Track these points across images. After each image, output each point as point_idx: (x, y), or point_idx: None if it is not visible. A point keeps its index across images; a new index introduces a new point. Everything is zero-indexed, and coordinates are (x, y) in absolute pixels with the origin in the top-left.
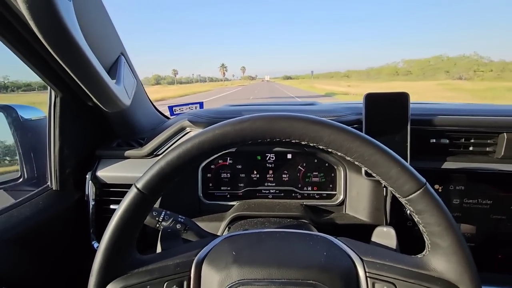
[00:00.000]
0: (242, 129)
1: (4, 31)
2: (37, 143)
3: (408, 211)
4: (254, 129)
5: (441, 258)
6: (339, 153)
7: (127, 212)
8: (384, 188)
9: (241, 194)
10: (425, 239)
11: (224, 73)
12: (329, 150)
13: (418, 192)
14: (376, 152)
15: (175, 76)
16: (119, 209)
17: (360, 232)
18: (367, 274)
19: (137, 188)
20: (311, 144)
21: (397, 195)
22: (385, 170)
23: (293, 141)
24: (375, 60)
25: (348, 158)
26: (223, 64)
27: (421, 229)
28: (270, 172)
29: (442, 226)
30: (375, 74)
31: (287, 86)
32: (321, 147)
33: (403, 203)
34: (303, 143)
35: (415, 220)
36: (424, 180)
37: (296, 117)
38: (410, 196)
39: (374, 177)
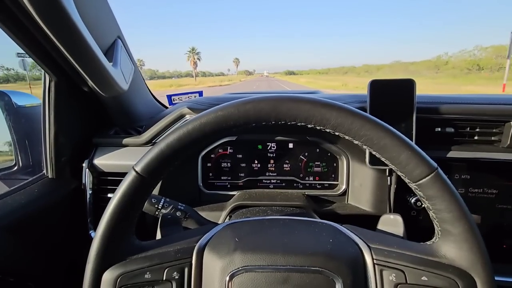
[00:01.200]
0: (245, 111)
1: None
2: (32, 131)
3: (414, 199)
4: (258, 110)
5: (452, 245)
6: (346, 137)
7: (126, 196)
8: (388, 177)
9: (241, 184)
10: (435, 225)
11: (194, 63)
12: (336, 133)
13: (429, 176)
14: (385, 136)
15: (141, 67)
16: (117, 193)
17: (362, 222)
18: (375, 261)
19: (136, 171)
20: (317, 127)
21: (407, 180)
22: (395, 155)
23: (299, 123)
24: (399, 54)
25: (356, 142)
26: (193, 49)
27: (431, 215)
28: (271, 161)
29: (454, 212)
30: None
31: (294, 84)
32: (327, 130)
33: (413, 188)
34: (309, 126)
35: (425, 206)
36: (435, 164)
37: (302, 98)
38: (421, 181)
39: (378, 165)
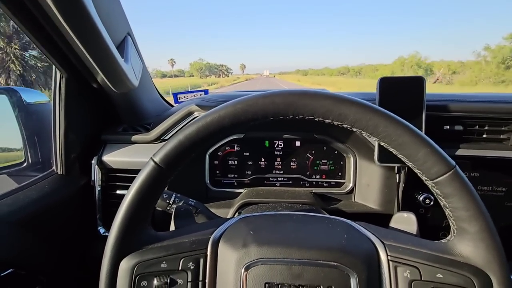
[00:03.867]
0: (264, 104)
1: (12, 7)
2: (41, 128)
3: (424, 198)
4: (277, 104)
5: (468, 244)
6: (363, 133)
7: (144, 186)
8: (397, 175)
9: (248, 181)
10: (451, 223)
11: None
12: (354, 129)
13: (447, 174)
14: (404, 133)
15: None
16: (136, 183)
17: (370, 221)
18: (389, 257)
19: (154, 162)
20: (335, 123)
21: (424, 178)
22: (413, 152)
23: (317, 119)
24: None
25: (374, 138)
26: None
27: (447, 213)
28: (278, 159)
29: (471, 211)
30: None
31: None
32: (345, 126)
33: (429, 186)
34: (326, 121)
35: (441, 203)
36: (453, 162)
37: (320, 93)
38: (438, 179)
39: (387, 163)
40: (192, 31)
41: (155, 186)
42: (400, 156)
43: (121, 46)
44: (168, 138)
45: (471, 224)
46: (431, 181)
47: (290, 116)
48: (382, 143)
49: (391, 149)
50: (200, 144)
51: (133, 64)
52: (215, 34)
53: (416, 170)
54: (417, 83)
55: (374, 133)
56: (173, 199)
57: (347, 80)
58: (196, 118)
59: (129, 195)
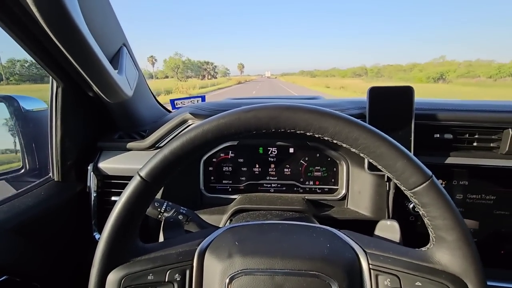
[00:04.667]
0: (246, 119)
1: (7, 20)
2: (38, 134)
3: (413, 204)
4: (259, 119)
5: (446, 252)
6: (344, 145)
7: (130, 200)
8: (387, 183)
9: (242, 188)
10: (430, 232)
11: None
12: (334, 141)
13: (424, 184)
14: (382, 144)
15: None
16: (122, 197)
17: (362, 227)
18: (371, 266)
19: (140, 176)
20: (316, 135)
21: (403, 188)
22: (391, 163)
23: (298, 131)
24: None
25: (354, 150)
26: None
27: (426, 222)
28: (272, 166)
29: (448, 220)
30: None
31: None
32: (326, 138)
33: (408, 196)
34: (308, 134)
35: (420, 213)
36: (430, 173)
37: (301, 107)
38: (416, 189)
39: (377, 171)
40: (185, 27)
41: (142, 200)
42: (379, 166)
43: (116, 57)
44: (163, 146)
45: (448, 232)
46: (409, 191)
47: (273, 130)
48: (361, 155)
49: (370, 160)
50: (185, 158)
51: (127, 74)
52: (211, 30)
53: (395, 180)
54: (406, 92)
55: (353, 145)
56: (164, 207)
57: (369, 83)
58: (181, 133)
59: (116, 209)
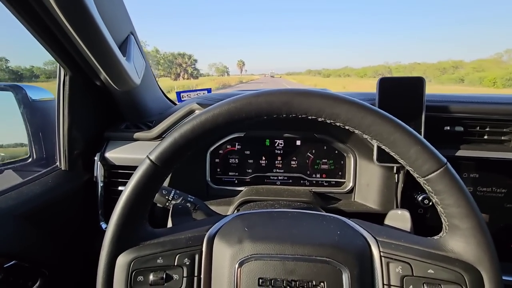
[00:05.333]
0: (258, 103)
1: (18, 6)
2: (45, 124)
3: (421, 197)
4: (270, 103)
5: (459, 240)
6: (356, 131)
7: (140, 183)
8: (396, 175)
9: (248, 180)
10: (443, 220)
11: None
12: (346, 127)
13: (438, 171)
14: (395, 131)
15: None
16: (132, 180)
17: (369, 220)
18: (382, 253)
19: (150, 160)
20: (328, 121)
21: (416, 175)
22: (404, 150)
23: (310, 117)
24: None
25: (366, 136)
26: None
27: (439, 210)
28: (279, 158)
29: (462, 207)
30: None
31: None
32: (338, 124)
33: (422, 183)
34: (319, 119)
35: (433, 200)
36: (445, 159)
37: (314, 92)
38: (430, 176)
39: (386, 163)
40: (186, 25)
41: (151, 184)
42: (392, 153)
43: (124, 45)
44: (177, 127)
45: (462, 220)
46: (422, 178)
47: (284, 115)
48: (374, 141)
49: (383, 147)
50: (195, 142)
51: (135, 62)
52: (214, 28)
53: (408, 168)
54: (417, 83)
55: (366, 131)
56: (172, 195)
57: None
58: (191, 117)
59: (125, 192)
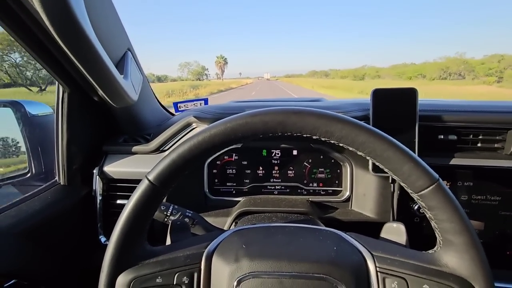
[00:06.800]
0: (253, 122)
1: (14, 26)
2: (44, 139)
3: (417, 206)
4: (266, 123)
5: (453, 255)
6: (350, 148)
7: (139, 203)
8: (392, 184)
9: (246, 190)
10: (437, 235)
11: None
12: (341, 144)
13: (431, 187)
14: (388, 148)
15: None
16: (131, 201)
17: (366, 229)
18: (378, 269)
19: (149, 180)
20: (322, 139)
21: (409, 191)
22: (397, 166)
23: (304, 135)
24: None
25: (360, 153)
26: None
27: (433, 225)
28: (276, 168)
29: (455, 223)
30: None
31: None
32: (332, 141)
33: (415, 199)
34: (314, 137)
35: (427, 216)
36: (437, 176)
37: (308, 112)
38: (423, 192)
39: (381, 173)
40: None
41: (150, 204)
42: (386, 170)
43: (121, 62)
44: (168, 149)
45: (455, 236)
46: (416, 194)
47: (279, 134)
48: (368, 158)
49: (377, 163)
50: (193, 162)
51: (132, 79)
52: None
53: (402, 183)
54: (410, 94)
55: (360, 148)
56: (170, 210)
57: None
58: (189, 137)
59: (124, 213)
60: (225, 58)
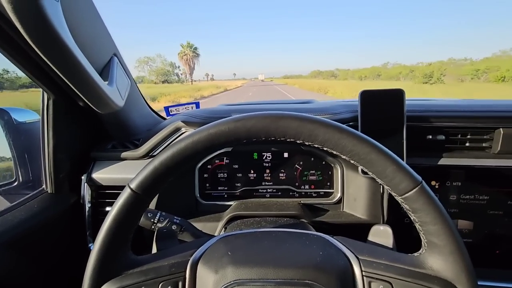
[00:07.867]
0: (236, 128)
1: None
2: (31, 146)
3: (404, 209)
4: (248, 128)
5: (437, 257)
6: (334, 152)
7: (121, 213)
8: (381, 186)
9: (238, 194)
10: (422, 237)
11: None
12: (324, 148)
13: (414, 190)
14: (371, 151)
15: None
16: (113, 210)
17: (357, 230)
18: (363, 273)
19: (131, 189)
20: (306, 143)
21: (393, 194)
22: (381, 169)
23: (288, 140)
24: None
25: (344, 157)
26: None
27: (417, 227)
28: (267, 171)
29: (438, 225)
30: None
31: None
32: (316, 145)
33: (399, 201)
34: (298, 141)
35: (412, 218)
36: (420, 178)
37: (290, 115)
38: (406, 195)
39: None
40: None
41: (133, 213)
42: (369, 173)
43: (106, 68)
44: (157, 154)
45: (439, 237)
46: (400, 197)
47: (263, 138)
48: (352, 161)
49: (361, 167)
50: (176, 169)
51: (118, 84)
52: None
53: (386, 186)
54: (397, 95)
55: (343, 152)
56: (157, 217)
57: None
58: (170, 143)
59: (106, 222)
60: (195, 48)
